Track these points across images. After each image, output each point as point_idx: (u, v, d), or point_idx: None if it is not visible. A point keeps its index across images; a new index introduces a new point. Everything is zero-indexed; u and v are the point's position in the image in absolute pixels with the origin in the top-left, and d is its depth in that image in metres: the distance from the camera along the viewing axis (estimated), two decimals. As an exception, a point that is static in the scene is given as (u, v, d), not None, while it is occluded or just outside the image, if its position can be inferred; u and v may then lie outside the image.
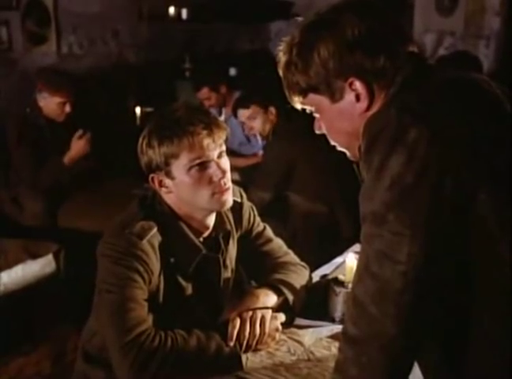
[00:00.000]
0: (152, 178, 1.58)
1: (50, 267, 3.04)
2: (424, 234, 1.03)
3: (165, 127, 1.54)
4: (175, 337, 1.48)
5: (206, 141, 1.52)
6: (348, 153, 1.28)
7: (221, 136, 1.56)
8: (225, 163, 1.58)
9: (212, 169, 1.55)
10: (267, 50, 5.49)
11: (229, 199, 1.59)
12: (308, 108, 1.27)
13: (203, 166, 1.54)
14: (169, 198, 1.60)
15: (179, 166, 1.53)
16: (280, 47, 1.24)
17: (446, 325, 1.13)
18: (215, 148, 1.55)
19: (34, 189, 3.36)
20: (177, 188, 1.56)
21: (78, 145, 3.38)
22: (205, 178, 1.54)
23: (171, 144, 1.51)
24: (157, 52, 4.85)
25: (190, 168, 1.53)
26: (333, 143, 1.29)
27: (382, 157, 1.06)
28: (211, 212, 1.63)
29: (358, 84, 1.16)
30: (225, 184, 1.57)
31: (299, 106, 1.28)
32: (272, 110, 3.20)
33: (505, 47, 4.41)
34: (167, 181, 1.56)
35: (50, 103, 3.37)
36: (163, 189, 1.58)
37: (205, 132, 1.52)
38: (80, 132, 3.39)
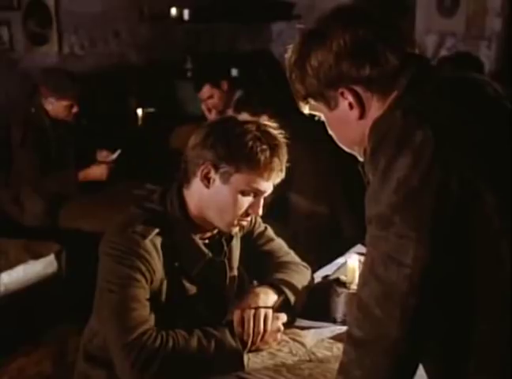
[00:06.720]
0: (204, 164, 1.53)
1: (51, 267, 3.05)
2: (430, 237, 1.03)
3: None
4: (177, 337, 1.48)
5: (273, 174, 1.55)
6: (356, 154, 1.28)
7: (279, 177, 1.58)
8: (262, 202, 1.60)
9: (256, 202, 1.57)
10: (268, 50, 5.49)
11: (237, 230, 1.65)
12: (316, 113, 1.29)
13: (254, 195, 1.56)
14: (191, 194, 1.58)
15: (236, 180, 1.52)
16: (286, 55, 1.26)
17: (448, 327, 1.12)
18: (273, 182, 1.58)
19: (36, 190, 3.36)
20: (213, 190, 1.54)
21: (99, 170, 3.40)
22: (244, 204, 1.55)
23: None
24: (159, 52, 4.84)
25: (243, 191, 1.53)
26: (340, 145, 1.30)
27: (389, 159, 1.06)
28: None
29: (347, 94, 1.18)
30: (249, 219, 1.63)
31: (307, 112, 1.30)
32: (274, 110, 3.19)
33: (506, 48, 4.41)
34: (214, 178, 1.53)
35: (58, 107, 3.38)
36: (204, 181, 1.54)
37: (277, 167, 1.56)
38: (104, 154, 3.45)
